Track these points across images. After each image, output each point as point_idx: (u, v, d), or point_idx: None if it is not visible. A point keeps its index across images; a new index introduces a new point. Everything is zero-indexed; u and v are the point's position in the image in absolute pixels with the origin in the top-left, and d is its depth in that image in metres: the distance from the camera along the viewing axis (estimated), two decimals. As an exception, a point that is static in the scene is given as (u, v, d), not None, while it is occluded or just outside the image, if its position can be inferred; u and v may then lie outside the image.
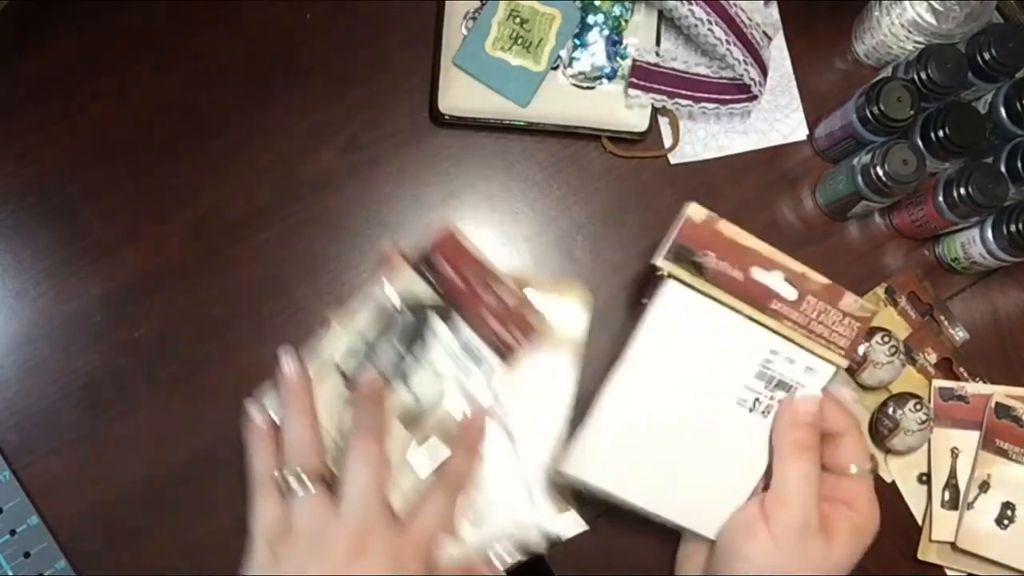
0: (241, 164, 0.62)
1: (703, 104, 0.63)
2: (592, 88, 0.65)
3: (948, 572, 0.62)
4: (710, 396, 0.49)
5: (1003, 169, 0.60)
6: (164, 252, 0.60)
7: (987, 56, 0.60)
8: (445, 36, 0.62)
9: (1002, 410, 0.62)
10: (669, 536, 0.55)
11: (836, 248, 0.66)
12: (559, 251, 0.63)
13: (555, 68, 0.64)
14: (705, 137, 0.66)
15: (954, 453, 0.63)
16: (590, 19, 0.64)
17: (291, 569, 0.49)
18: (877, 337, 0.61)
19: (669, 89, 0.63)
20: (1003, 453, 0.62)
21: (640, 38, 0.65)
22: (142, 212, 0.60)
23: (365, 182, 0.63)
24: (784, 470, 0.48)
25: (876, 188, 0.59)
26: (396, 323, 0.56)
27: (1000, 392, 0.63)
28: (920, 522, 0.63)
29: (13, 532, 0.55)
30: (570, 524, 0.57)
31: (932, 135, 0.60)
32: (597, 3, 0.64)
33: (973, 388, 0.64)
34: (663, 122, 0.65)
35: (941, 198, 0.61)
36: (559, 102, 0.64)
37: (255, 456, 0.54)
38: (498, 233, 0.63)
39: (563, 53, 0.64)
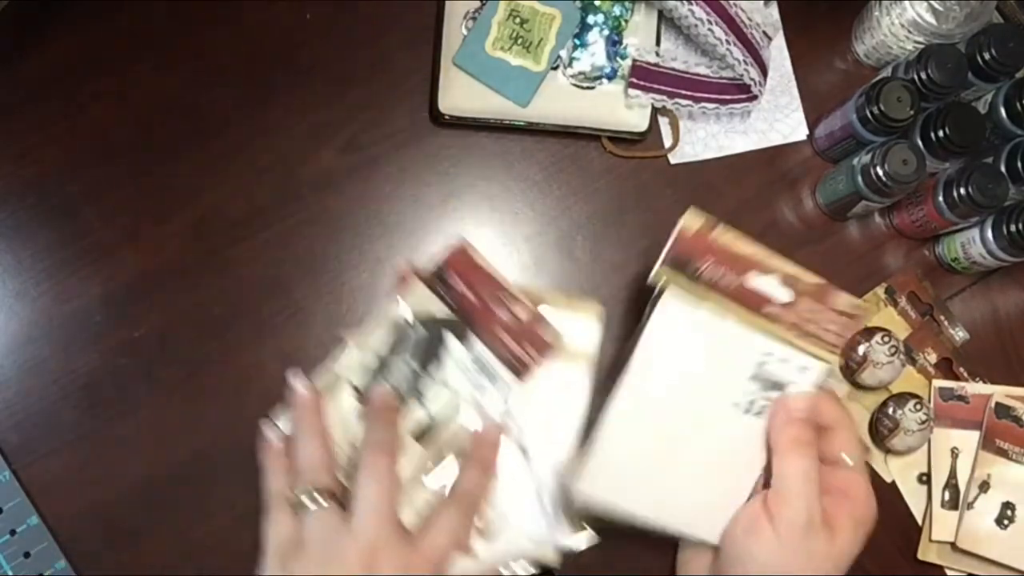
0: (241, 164, 0.62)
1: (703, 104, 0.63)
2: (592, 88, 0.65)
3: (948, 572, 0.62)
4: (708, 403, 0.49)
5: (1003, 169, 0.60)
6: (164, 252, 0.60)
7: (987, 56, 0.60)
8: (445, 36, 0.63)
9: (1002, 410, 0.62)
10: (669, 538, 0.55)
11: (836, 248, 0.66)
12: (559, 251, 0.63)
13: (555, 68, 0.64)
14: (705, 137, 0.66)
15: (954, 453, 0.63)
16: (590, 19, 0.64)
17: None
18: (877, 337, 0.61)
19: (669, 89, 0.63)
20: (1003, 453, 0.62)
21: (640, 38, 0.65)
22: (142, 212, 0.60)
23: (365, 182, 0.63)
24: (784, 468, 0.48)
25: (876, 188, 0.59)
26: (410, 340, 0.56)
27: (1000, 392, 0.63)
28: (920, 522, 0.63)
29: (13, 532, 0.55)
30: (583, 538, 0.57)
31: (932, 135, 0.60)
32: (597, 3, 0.64)
33: (973, 388, 0.64)
34: (663, 122, 0.65)
35: (941, 198, 0.61)
36: (559, 102, 0.64)
37: (269, 475, 0.54)
38: (498, 233, 0.63)
39: (563, 53, 0.64)
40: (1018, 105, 0.60)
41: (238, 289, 0.60)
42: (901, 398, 0.62)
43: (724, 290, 0.46)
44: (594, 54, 0.64)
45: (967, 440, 0.63)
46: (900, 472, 0.63)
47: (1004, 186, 0.59)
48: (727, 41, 0.61)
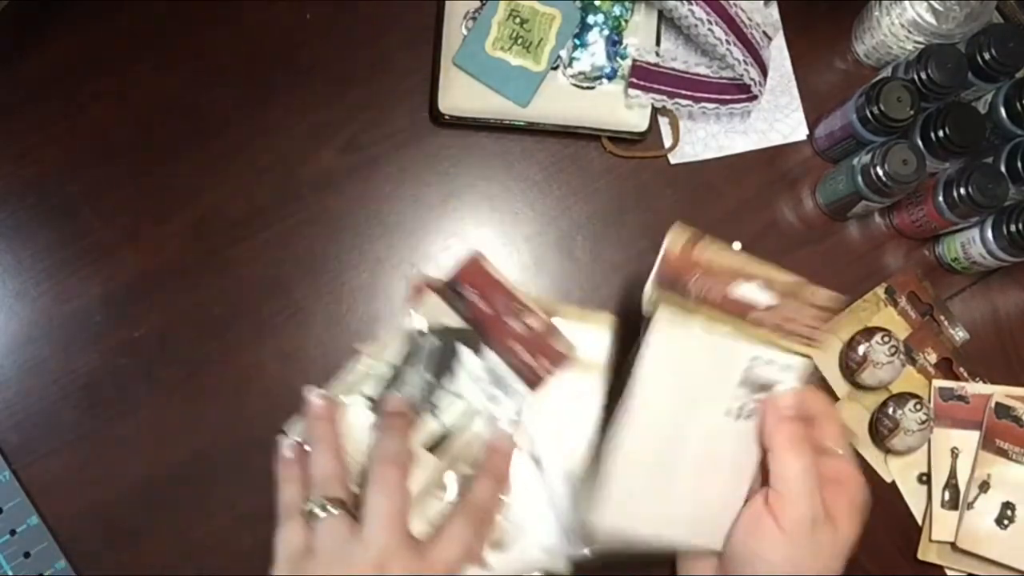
0: (241, 164, 0.62)
1: (703, 104, 0.63)
2: (592, 88, 0.65)
3: (948, 572, 0.62)
4: (704, 415, 0.49)
5: (1003, 169, 0.60)
6: (164, 252, 0.60)
7: (987, 56, 0.60)
8: (445, 36, 0.63)
9: (1002, 410, 0.62)
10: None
11: (836, 248, 0.66)
12: (559, 251, 0.63)
13: (555, 68, 0.64)
14: (705, 137, 0.66)
15: (954, 453, 0.63)
16: (590, 19, 0.64)
17: None
18: (877, 337, 0.61)
19: (669, 89, 0.63)
20: (1003, 453, 0.62)
21: (640, 38, 0.65)
22: (142, 212, 0.60)
23: (365, 182, 0.63)
24: (784, 468, 0.48)
25: (876, 188, 0.59)
26: (423, 351, 0.56)
27: (1000, 392, 0.63)
28: (920, 522, 0.63)
29: (13, 532, 0.55)
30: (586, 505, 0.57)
31: (932, 135, 0.60)
32: (597, 3, 0.64)
33: (973, 388, 0.64)
34: (663, 122, 0.65)
35: (941, 198, 0.61)
36: (559, 102, 0.64)
37: (282, 485, 0.54)
38: (498, 233, 0.63)
39: (563, 53, 0.64)
40: (1018, 105, 0.60)
41: (238, 289, 0.60)
42: (901, 398, 0.62)
43: (712, 302, 0.47)
44: (594, 54, 0.64)
45: (967, 440, 0.63)
46: (900, 472, 0.63)
47: (1004, 186, 0.59)
48: (727, 41, 0.61)
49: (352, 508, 0.51)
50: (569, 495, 0.57)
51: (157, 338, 0.59)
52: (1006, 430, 0.62)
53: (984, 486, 0.61)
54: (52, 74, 0.61)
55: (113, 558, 0.56)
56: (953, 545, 0.61)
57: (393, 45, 0.64)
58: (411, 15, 0.64)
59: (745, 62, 0.62)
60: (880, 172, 0.59)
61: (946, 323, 0.65)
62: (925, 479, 0.63)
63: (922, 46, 0.63)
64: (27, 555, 0.55)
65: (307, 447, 0.55)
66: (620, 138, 0.64)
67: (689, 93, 0.63)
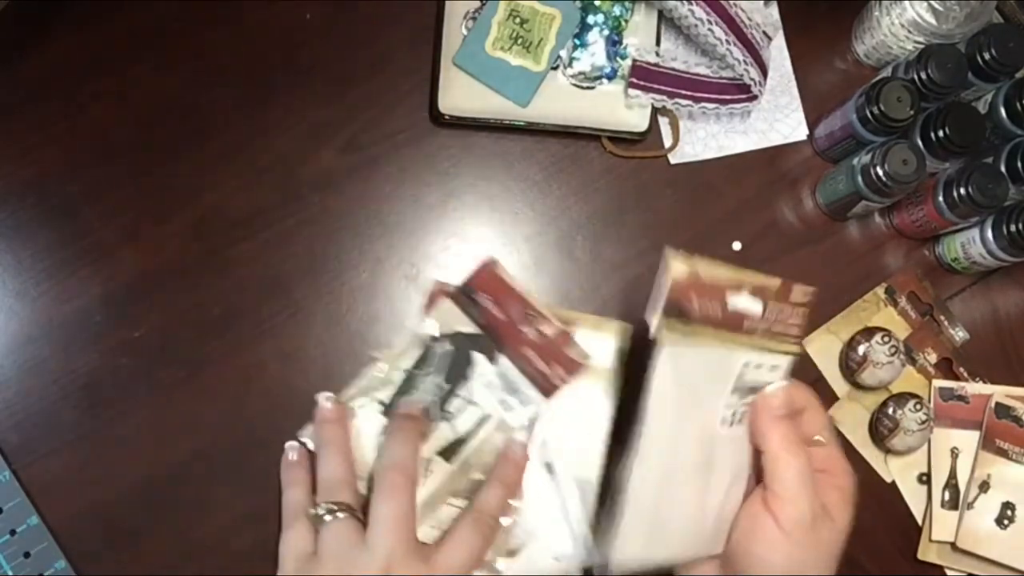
0: (241, 164, 0.62)
1: (703, 104, 0.63)
2: (592, 88, 0.65)
3: (948, 572, 0.62)
4: (705, 430, 0.49)
5: (1003, 169, 0.60)
6: (164, 252, 0.60)
7: (987, 56, 0.60)
8: (445, 36, 0.62)
9: (1002, 410, 0.62)
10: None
11: (836, 248, 0.66)
12: (559, 251, 0.63)
13: (555, 68, 0.64)
14: (705, 137, 0.66)
15: (954, 453, 0.63)
16: (590, 19, 0.64)
17: None
18: (877, 337, 0.61)
19: (669, 89, 0.63)
20: (1003, 453, 0.62)
21: (640, 38, 0.65)
22: (142, 212, 0.60)
23: (365, 182, 0.63)
24: (781, 469, 0.48)
25: (876, 188, 0.59)
26: (438, 358, 0.57)
27: (1000, 392, 0.63)
28: (920, 522, 0.63)
29: (13, 532, 0.55)
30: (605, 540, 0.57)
31: (932, 135, 0.60)
32: (597, 3, 0.64)
33: (973, 388, 0.64)
34: (663, 122, 0.65)
35: (941, 198, 0.61)
36: (559, 102, 0.64)
37: (288, 489, 0.55)
38: (498, 233, 0.63)
39: (563, 53, 0.64)
40: (1018, 105, 0.60)
41: (238, 289, 0.60)
42: (901, 398, 0.62)
43: (712, 321, 0.47)
44: (594, 54, 0.64)
45: (967, 440, 0.63)
46: (900, 472, 0.63)
47: (1004, 186, 0.59)
48: (727, 41, 0.61)
49: (359, 513, 0.52)
50: (581, 502, 0.57)
51: (157, 338, 0.59)
52: (1006, 430, 0.62)
53: (984, 486, 0.61)
54: (52, 74, 0.61)
55: (113, 558, 0.56)
56: (953, 545, 0.61)
57: (393, 45, 0.64)
58: (411, 15, 0.64)
59: (745, 62, 0.62)
60: (880, 172, 0.59)
61: (946, 323, 0.65)
62: (925, 479, 0.63)
63: (922, 46, 0.63)
64: (27, 555, 0.55)
65: (315, 450, 0.56)
66: (620, 138, 0.64)
67: (689, 93, 0.63)
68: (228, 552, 0.57)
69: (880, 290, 0.65)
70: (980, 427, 0.62)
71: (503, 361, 0.57)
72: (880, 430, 0.62)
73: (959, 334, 0.65)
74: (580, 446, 0.58)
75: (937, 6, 0.63)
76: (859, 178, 0.60)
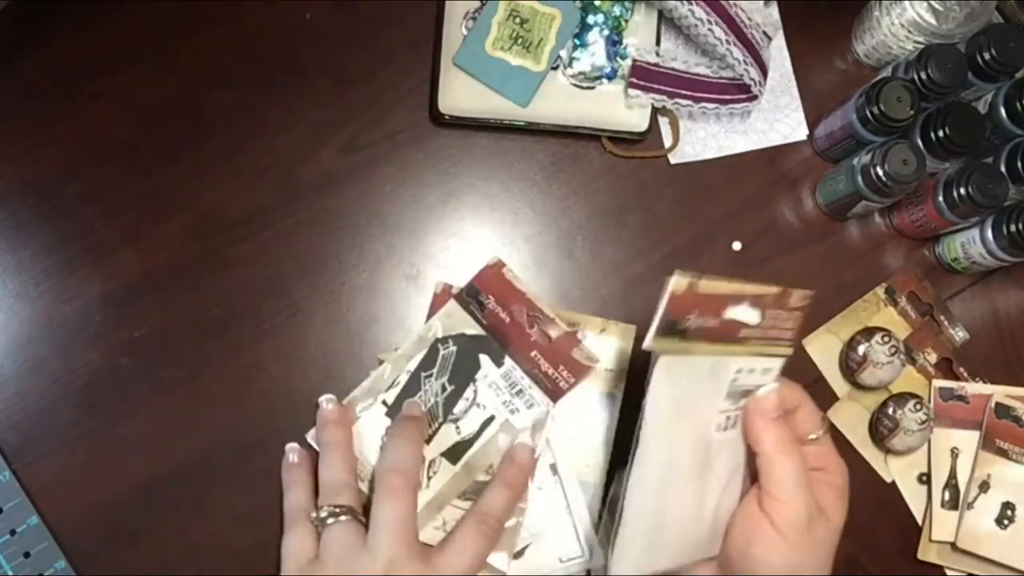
0: (241, 164, 0.62)
1: (703, 104, 0.63)
2: (592, 88, 0.65)
3: (948, 572, 0.62)
4: (700, 439, 0.49)
5: (1003, 169, 0.60)
6: (164, 252, 0.60)
7: (987, 56, 0.60)
8: (445, 36, 0.62)
9: (1002, 410, 0.62)
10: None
11: (836, 248, 0.66)
12: (559, 251, 0.63)
13: (555, 68, 0.64)
14: (705, 137, 0.66)
15: (954, 453, 0.63)
16: (590, 19, 0.64)
17: None
18: (877, 337, 0.61)
19: (669, 89, 0.63)
20: (1003, 453, 0.62)
21: (640, 38, 0.65)
22: (142, 212, 0.60)
23: (365, 182, 0.63)
24: (776, 470, 0.48)
25: (876, 188, 0.59)
26: (444, 360, 0.57)
27: (1000, 392, 0.63)
28: (920, 522, 0.63)
29: (13, 532, 0.55)
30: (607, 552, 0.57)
31: (932, 135, 0.60)
32: (597, 3, 0.64)
33: (973, 388, 0.64)
34: (663, 122, 0.65)
35: (941, 198, 0.61)
36: (559, 102, 0.64)
37: (289, 490, 0.55)
38: (498, 233, 0.63)
39: (563, 53, 0.64)
40: (1018, 105, 0.60)
41: (238, 289, 0.60)
42: (901, 398, 0.62)
43: (709, 334, 0.47)
44: (594, 54, 0.64)
45: (967, 440, 0.63)
46: (900, 472, 0.63)
47: (1004, 186, 0.59)
48: (727, 41, 0.61)
49: (361, 515, 0.52)
50: (585, 503, 0.57)
51: (157, 338, 0.59)
52: (1006, 430, 0.62)
53: (984, 486, 0.61)
54: (52, 74, 0.61)
55: (113, 558, 0.56)
56: (953, 545, 0.61)
57: (393, 45, 0.64)
58: (411, 15, 0.64)
59: (745, 62, 0.62)
60: (880, 172, 0.59)
61: (946, 323, 0.65)
62: (925, 479, 0.63)
63: (922, 46, 0.63)
64: (27, 555, 0.55)
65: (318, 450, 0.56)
66: (620, 138, 0.64)
67: (689, 93, 0.63)
68: (228, 552, 0.57)
69: (880, 290, 0.65)
70: (980, 427, 0.62)
71: (508, 363, 0.57)
72: (880, 430, 0.62)
73: (959, 334, 0.65)
74: (585, 448, 0.58)
75: (937, 6, 0.63)
76: (859, 178, 0.60)
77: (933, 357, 0.65)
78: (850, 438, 0.63)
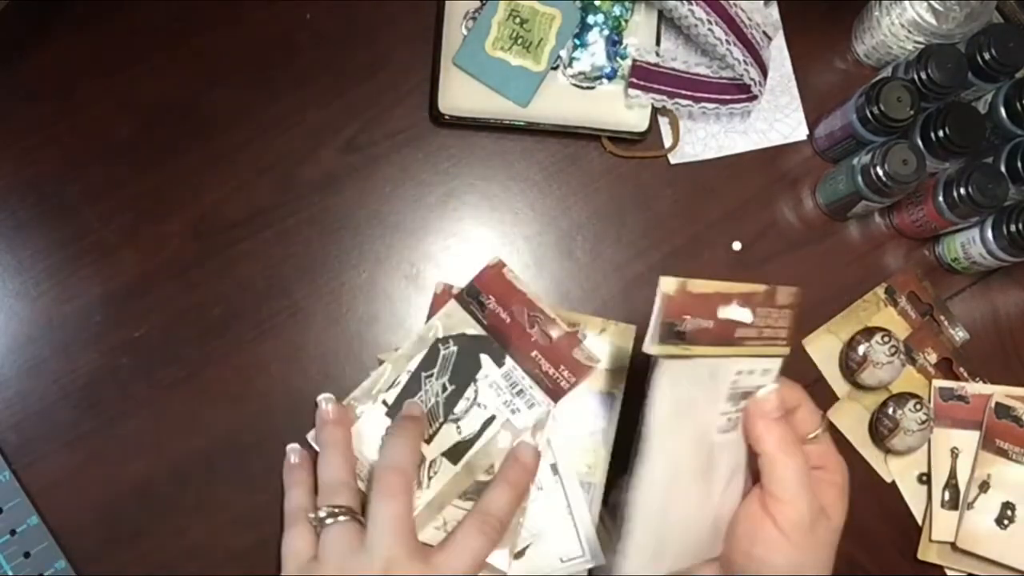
0: (241, 164, 0.62)
1: (703, 104, 0.63)
2: (592, 88, 0.65)
3: (948, 572, 0.62)
4: (703, 442, 0.49)
5: (1003, 169, 0.60)
6: (164, 252, 0.60)
7: (987, 56, 0.60)
8: (445, 36, 0.62)
9: (1002, 410, 0.62)
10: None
11: (836, 248, 0.66)
12: (559, 251, 0.63)
13: (555, 68, 0.64)
14: (705, 137, 0.66)
15: (954, 453, 0.63)
16: (590, 19, 0.64)
17: None
18: (877, 337, 0.61)
19: (669, 89, 0.63)
20: (1003, 453, 0.62)
21: (640, 38, 0.65)
22: (142, 212, 0.60)
23: (365, 182, 0.63)
24: (779, 471, 0.48)
25: (876, 188, 0.59)
26: (444, 360, 0.57)
27: (1000, 392, 0.63)
28: (920, 522, 0.63)
29: (13, 532, 0.55)
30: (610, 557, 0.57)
31: (932, 135, 0.60)
32: (597, 3, 0.64)
33: (973, 388, 0.64)
34: (663, 122, 0.65)
35: (941, 198, 0.61)
36: (559, 102, 0.64)
37: (289, 491, 0.55)
38: (498, 233, 0.63)
39: (563, 53, 0.64)
40: (1018, 105, 0.60)
41: (238, 289, 0.60)
42: (901, 398, 0.62)
43: (707, 336, 0.47)
44: (594, 54, 0.64)
45: (967, 440, 0.63)
46: (900, 472, 0.63)
47: (1004, 186, 0.59)
48: (727, 41, 0.61)
49: (360, 515, 0.52)
50: (586, 503, 0.57)
51: (157, 338, 0.59)
52: (1006, 430, 0.62)
53: (984, 486, 0.61)
54: (52, 74, 0.61)
55: (113, 558, 0.56)
56: (953, 545, 0.61)
57: (393, 45, 0.64)
58: (411, 15, 0.64)
59: (745, 62, 0.62)
60: (880, 172, 0.59)
61: (946, 323, 0.65)
62: (925, 479, 0.63)
63: (922, 46, 0.63)
64: (27, 555, 0.55)
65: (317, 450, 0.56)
66: (620, 138, 0.64)
67: (689, 93, 0.63)
68: (228, 552, 0.57)
69: (880, 290, 0.65)
70: (980, 427, 0.62)
71: (509, 363, 0.57)
72: (880, 430, 0.62)
73: (959, 334, 0.65)
74: (586, 448, 0.58)
75: (937, 6, 0.63)
76: (859, 178, 0.60)
77: (933, 357, 0.65)
78: (850, 438, 0.63)
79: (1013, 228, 0.60)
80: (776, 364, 0.51)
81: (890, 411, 0.61)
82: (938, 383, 0.64)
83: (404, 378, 0.57)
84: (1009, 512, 0.61)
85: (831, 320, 0.64)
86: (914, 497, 0.63)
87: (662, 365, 0.45)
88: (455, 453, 0.56)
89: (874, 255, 0.66)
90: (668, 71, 0.63)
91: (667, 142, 0.65)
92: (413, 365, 0.58)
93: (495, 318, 0.58)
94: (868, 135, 0.61)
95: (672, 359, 0.45)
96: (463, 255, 0.62)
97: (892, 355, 0.61)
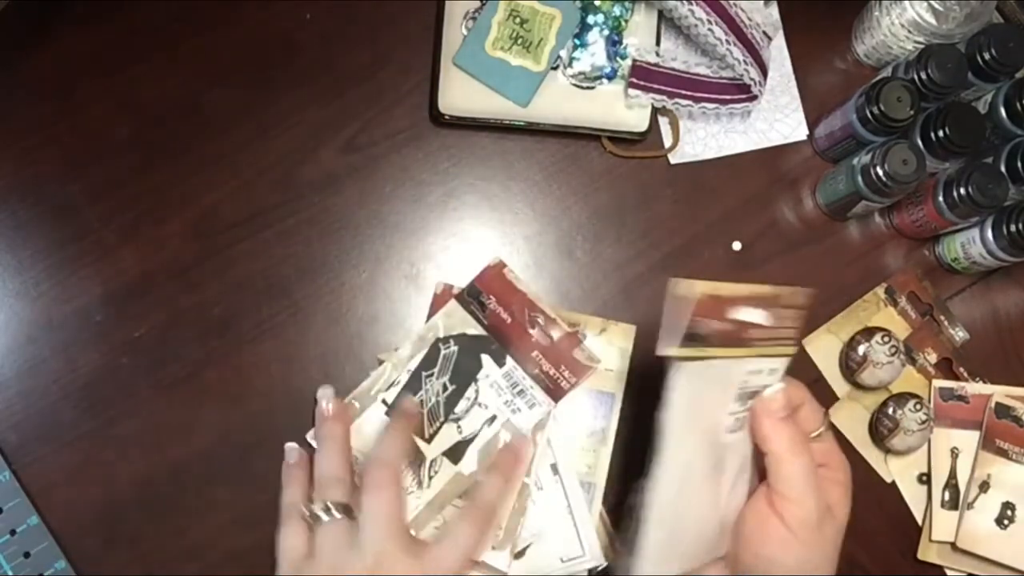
0: (241, 164, 0.62)
1: (703, 104, 0.63)
2: (592, 88, 0.65)
3: (948, 572, 0.62)
4: (714, 442, 0.49)
5: (1003, 169, 0.60)
6: (164, 252, 0.60)
7: (987, 56, 0.60)
8: (445, 36, 0.62)
9: (1002, 410, 0.62)
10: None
11: (836, 248, 0.66)
12: (559, 251, 0.63)
13: (555, 68, 0.64)
14: (705, 137, 0.66)
15: (954, 453, 0.63)
16: (590, 19, 0.64)
17: None
18: (877, 337, 0.61)
19: (669, 89, 0.63)
20: (1003, 453, 0.62)
21: (640, 38, 0.65)
22: (142, 212, 0.60)
23: (365, 182, 0.63)
24: (786, 470, 0.48)
25: (876, 188, 0.59)
26: (445, 359, 0.57)
27: (1000, 392, 0.63)
28: (920, 522, 0.63)
29: (13, 532, 0.55)
30: (610, 555, 0.57)
31: (932, 135, 0.60)
32: (597, 3, 0.64)
33: (973, 388, 0.64)
34: (663, 122, 0.65)
35: (941, 198, 0.61)
36: (559, 102, 0.64)
37: (286, 488, 0.55)
38: (498, 233, 0.63)
39: (563, 53, 0.64)
40: (1018, 105, 0.60)
41: (238, 289, 0.60)
42: (901, 398, 0.62)
43: (723, 338, 0.47)
44: (594, 54, 0.64)
45: (967, 440, 0.63)
46: (900, 472, 0.63)
47: (1004, 186, 0.59)
48: (727, 41, 0.61)
49: (355, 510, 0.52)
50: (587, 504, 0.57)
51: (157, 338, 0.59)
52: (1006, 430, 0.62)
53: (984, 486, 0.61)
54: (52, 74, 0.61)
55: (113, 558, 0.56)
56: (953, 545, 0.61)
57: (393, 45, 0.64)
58: (411, 15, 0.64)
59: (745, 62, 0.62)
60: (880, 172, 0.59)
61: (946, 323, 0.65)
62: (925, 479, 0.63)
63: (922, 46, 0.63)
64: (27, 555, 0.55)
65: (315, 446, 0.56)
66: (620, 138, 0.64)
67: (689, 93, 0.63)
68: (228, 552, 0.57)
69: (880, 290, 0.65)
70: (980, 427, 0.62)
71: (510, 363, 0.57)
72: (880, 430, 0.62)
73: (959, 334, 0.65)
74: (586, 448, 0.58)
75: (937, 6, 0.63)
76: (859, 178, 0.60)
77: (933, 357, 0.65)
78: (850, 438, 0.63)
79: (1013, 228, 0.60)
80: (783, 364, 0.51)
81: (890, 411, 0.61)
82: (938, 383, 0.64)
83: (404, 378, 0.57)
84: (1009, 512, 0.61)
85: (831, 320, 0.64)
86: (914, 497, 0.63)
87: (679, 367, 0.45)
88: (455, 453, 0.56)
89: (874, 255, 0.66)
90: (668, 71, 0.63)
91: (667, 142, 0.65)
92: (413, 365, 0.58)
93: (496, 318, 0.58)
94: (868, 135, 0.61)
95: (688, 361, 0.45)
96: (463, 255, 0.62)
97: (892, 355, 0.61)
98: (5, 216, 0.60)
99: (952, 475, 0.62)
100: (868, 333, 0.62)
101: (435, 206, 0.63)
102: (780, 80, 0.67)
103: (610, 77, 0.64)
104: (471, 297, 0.59)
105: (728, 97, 0.63)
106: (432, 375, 0.57)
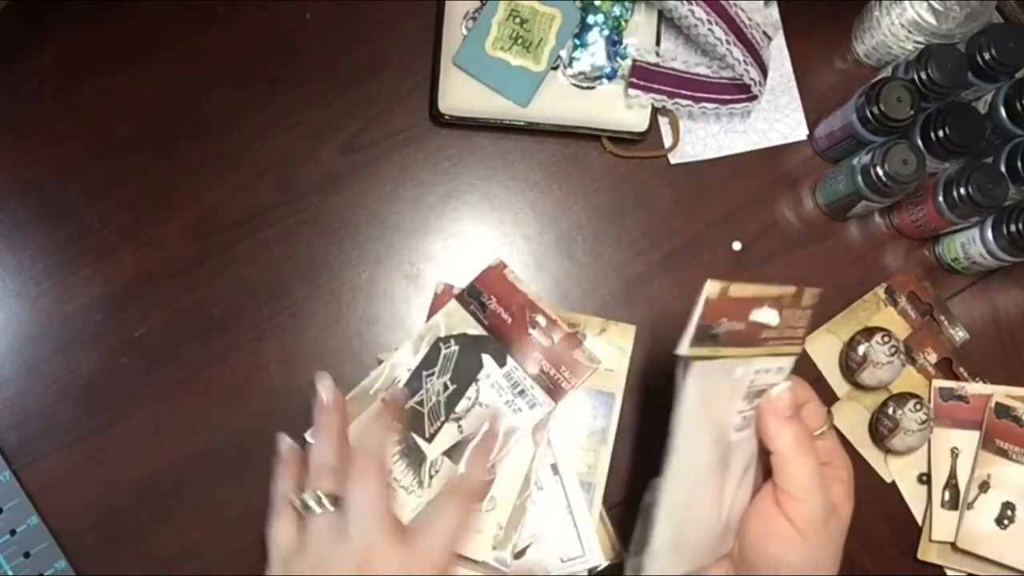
0: (241, 164, 0.62)
1: (703, 104, 0.63)
2: (592, 88, 0.65)
3: (948, 572, 0.62)
4: (721, 440, 0.49)
5: (1003, 169, 0.60)
6: (164, 252, 0.60)
7: (987, 56, 0.60)
8: (445, 36, 0.62)
9: (1002, 410, 0.62)
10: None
11: (836, 248, 0.66)
12: (559, 251, 0.63)
13: (555, 68, 0.64)
14: (705, 137, 0.66)
15: (954, 453, 0.63)
16: (590, 19, 0.64)
17: None
18: (877, 337, 0.61)
19: (669, 89, 0.63)
20: (1003, 453, 0.62)
21: (640, 38, 0.65)
22: (142, 212, 0.60)
23: (365, 182, 0.63)
24: (792, 469, 0.48)
25: (876, 188, 0.59)
26: (445, 359, 0.57)
27: (1000, 392, 0.63)
28: (920, 522, 0.63)
29: (13, 532, 0.55)
30: (610, 555, 0.57)
31: (932, 135, 0.60)
32: (597, 3, 0.64)
33: (973, 388, 0.64)
34: (663, 122, 0.65)
35: (941, 198, 0.61)
36: (559, 102, 0.64)
37: (278, 478, 0.54)
38: (498, 233, 0.63)
39: (563, 53, 0.64)
40: (1018, 105, 0.60)
41: (238, 289, 0.60)
42: (901, 398, 0.62)
43: (736, 338, 0.47)
44: (594, 54, 0.64)
45: (967, 440, 0.63)
46: (900, 472, 0.63)
47: (1004, 186, 0.59)
48: (727, 41, 0.61)
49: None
50: (587, 503, 0.57)
51: (157, 338, 0.59)
52: (1006, 430, 0.62)
53: (984, 486, 0.61)
54: (52, 74, 0.61)
55: (113, 558, 0.56)
56: (953, 545, 0.61)
57: (393, 45, 0.64)
58: (411, 15, 0.64)
59: (745, 62, 0.62)
60: (880, 172, 0.59)
61: (946, 323, 0.65)
62: (925, 479, 0.63)
63: (922, 46, 0.63)
64: (27, 555, 0.55)
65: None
66: (620, 138, 0.64)
67: (689, 93, 0.63)
68: (228, 552, 0.57)
69: (880, 290, 0.65)
70: (980, 427, 0.62)
71: (511, 363, 0.57)
72: (880, 430, 0.62)
73: (959, 334, 0.65)
74: (586, 448, 0.58)
75: (937, 6, 0.63)
76: (859, 178, 0.60)
77: (933, 357, 0.65)
78: (850, 438, 0.63)
79: (1013, 228, 0.60)
80: (790, 362, 0.51)
81: (890, 411, 0.61)
82: (938, 383, 0.64)
83: (404, 376, 0.57)
84: (1009, 512, 0.61)
85: (831, 320, 0.64)
86: (914, 497, 0.63)
87: (694, 367, 0.45)
88: (455, 452, 0.56)
89: (874, 255, 0.66)
90: (668, 71, 0.63)
91: (667, 142, 0.65)
92: (414, 364, 0.58)
93: (496, 318, 0.58)
94: (868, 135, 0.61)
95: (702, 360, 0.45)
96: (463, 255, 0.62)
97: (892, 355, 0.61)
98: (5, 216, 0.60)
99: (952, 475, 0.62)
100: (868, 333, 0.62)
101: (435, 206, 0.63)
102: (780, 80, 0.67)
103: (610, 77, 0.64)
104: (471, 297, 0.59)
105: (728, 97, 0.64)
106: (433, 374, 0.57)
